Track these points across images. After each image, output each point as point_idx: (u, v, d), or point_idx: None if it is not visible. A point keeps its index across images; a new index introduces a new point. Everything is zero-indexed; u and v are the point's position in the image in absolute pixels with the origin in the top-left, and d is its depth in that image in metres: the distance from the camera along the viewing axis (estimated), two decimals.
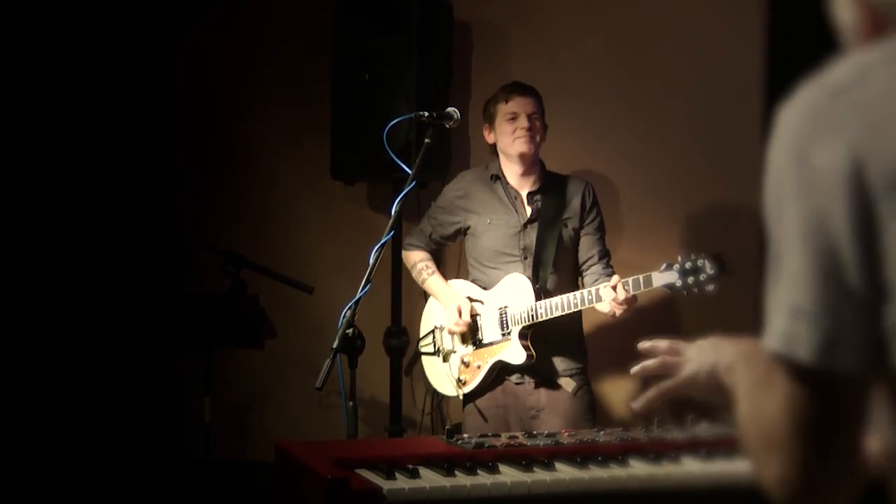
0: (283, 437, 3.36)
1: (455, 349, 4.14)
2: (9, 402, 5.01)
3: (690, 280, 3.49)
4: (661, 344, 1.80)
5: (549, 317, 3.88)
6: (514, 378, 4.03)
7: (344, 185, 5.10)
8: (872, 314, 1.14)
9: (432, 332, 4.23)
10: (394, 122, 3.81)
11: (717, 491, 2.76)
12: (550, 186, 4.11)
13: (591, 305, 3.82)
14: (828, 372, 1.15)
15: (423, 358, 4.27)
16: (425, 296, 4.34)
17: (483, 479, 2.66)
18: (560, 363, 4.03)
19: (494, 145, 4.14)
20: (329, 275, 5.04)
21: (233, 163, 5.49)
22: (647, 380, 1.81)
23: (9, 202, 5.10)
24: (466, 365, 4.09)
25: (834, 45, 1.27)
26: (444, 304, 4.15)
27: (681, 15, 4.72)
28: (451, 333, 4.12)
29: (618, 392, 4.77)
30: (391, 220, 3.37)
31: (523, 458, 2.79)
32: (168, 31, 5.49)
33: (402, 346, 4.83)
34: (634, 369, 1.87)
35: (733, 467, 2.77)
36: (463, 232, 4.20)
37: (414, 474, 2.65)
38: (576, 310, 3.86)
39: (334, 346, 3.15)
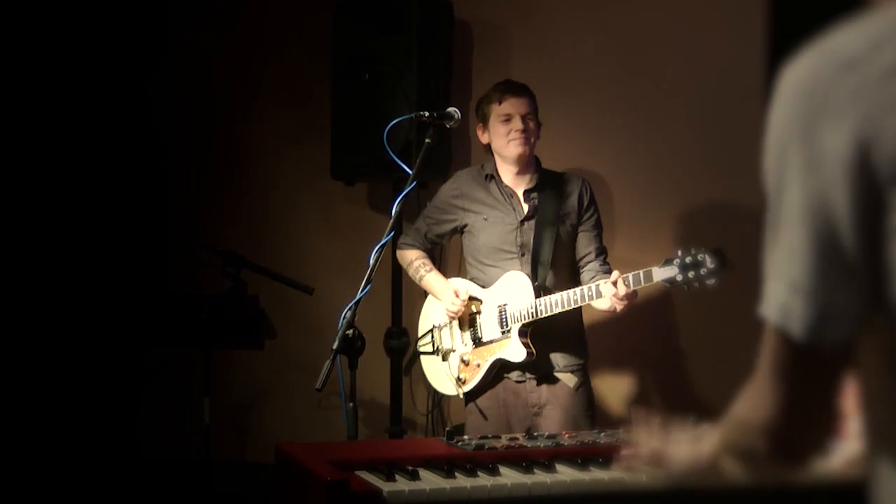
0: (283, 439, 3.36)
1: (454, 348, 4.13)
2: (9, 402, 5.00)
3: (691, 275, 3.49)
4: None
5: (549, 314, 3.87)
6: (515, 376, 4.03)
7: (344, 185, 5.10)
8: (866, 294, 1.16)
9: (431, 331, 4.22)
10: (394, 122, 3.81)
11: (719, 492, 2.75)
12: (547, 184, 4.10)
13: (591, 302, 3.81)
14: (818, 344, 1.19)
15: (423, 357, 4.26)
16: (426, 296, 4.33)
17: (483, 480, 2.66)
18: (561, 359, 4.03)
19: (489, 144, 4.12)
20: (329, 275, 5.03)
21: (233, 163, 5.48)
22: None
23: (9, 202, 5.10)
24: (466, 363, 4.08)
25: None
26: (442, 298, 4.14)
27: (681, 15, 4.71)
28: (450, 318, 4.10)
29: (616, 389, 4.76)
30: (391, 221, 3.36)
31: (524, 460, 2.78)
32: (168, 31, 5.48)
33: (402, 347, 4.82)
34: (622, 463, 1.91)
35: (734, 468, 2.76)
36: (459, 230, 4.19)
37: (414, 476, 2.65)
38: (576, 306, 3.85)
39: (334, 346, 3.14)
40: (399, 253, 4.33)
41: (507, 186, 4.09)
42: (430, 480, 2.65)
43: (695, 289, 3.51)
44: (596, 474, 2.74)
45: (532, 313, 3.91)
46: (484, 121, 4.10)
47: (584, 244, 4.09)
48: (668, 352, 4.74)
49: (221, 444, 4.80)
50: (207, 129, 5.51)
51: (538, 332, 3.97)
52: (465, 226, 4.15)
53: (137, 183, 5.43)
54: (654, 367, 4.80)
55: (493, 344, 4.02)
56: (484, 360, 4.03)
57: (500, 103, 4.04)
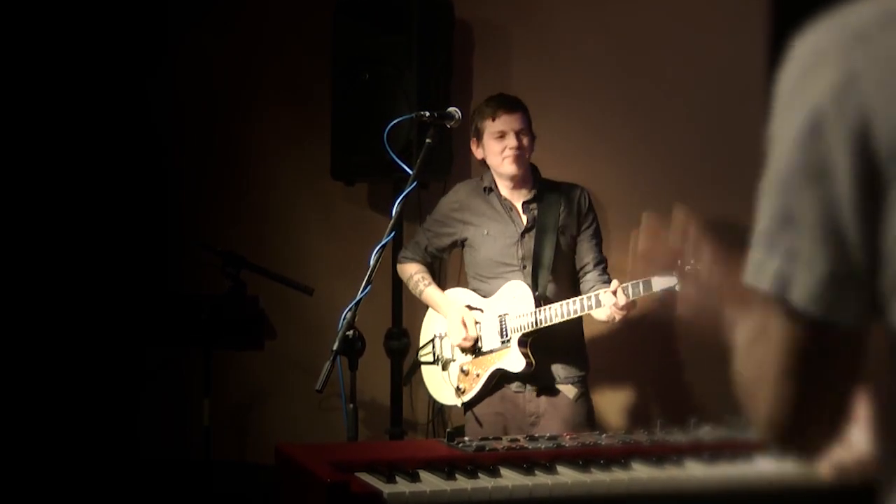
0: (283, 440, 3.35)
1: (454, 357, 4.12)
2: (9, 403, 5.00)
3: None
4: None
5: (550, 323, 3.86)
6: (514, 386, 4.01)
7: (344, 185, 5.09)
8: (868, 270, 1.13)
9: (432, 340, 4.21)
10: (394, 122, 3.79)
11: (720, 494, 2.75)
12: (545, 194, 4.07)
13: (591, 311, 3.79)
14: (822, 320, 1.15)
15: (423, 367, 4.25)
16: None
17: (484, 482, 2.65)
18: (561, 370, 4.01)
19: (484, 159, 4.10)
20: (329, 276, 5.02)
21: (233, 163, 5.48)
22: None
23: (9, 202, 5.09)
24: (465, 373, 4.07)
25: None
26: (444, 313, 4.13)
27: (682, 15, 4.70)
28: (462, 350, 4.09)
29: (615, 401, 4.75)
30: (392, 221, 3.35)
31: (525, 462, 2.77)
32: (168, 31, 5.48)
33: (402, 348, 4.81)
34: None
35: (736, 470, 2.75)
36: (460, 244, 4.17)
37: (414, 478, 2.64)
38: (575, 316, 3.84)
39: (334, 347, 3.13)
40: (399, 266, 4.31)
41: (506, 199, 4.07)
42: (430, 482, 2.63)
43: None
44: (597, 476, 2.73)
45: (532, 323, 3.89)
46: (478, 136, 4.07)
47: (583, 254, 4.07)
48: (667, 363, 4.72)
49: (221, 444, 4.79)
50: (207, 129, 5.50)
51: (538, 343, 3.95)
52: (465, 240, 4.13)
53: (137, 183, 5.42)
54: (654, 378, 4.79)
55: (493, 354, 4.01)
56: (483, 370, 4.02)
57: (493, 119, 4.00)
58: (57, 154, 5.22)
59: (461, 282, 4.40)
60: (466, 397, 4.04)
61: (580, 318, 3.94)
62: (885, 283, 1.13)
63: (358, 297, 3.18)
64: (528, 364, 3.91)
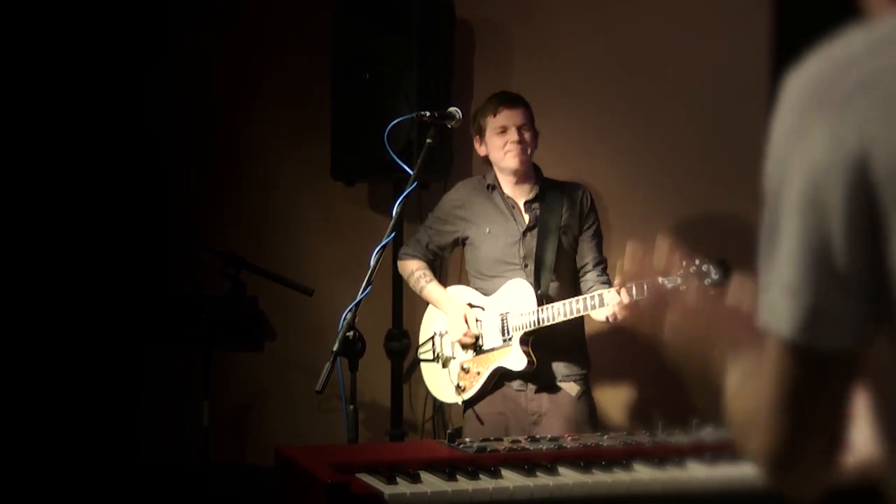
0: (283, 441, 3.34)
1: (455, 355, 4.11)
2: (9, 403, 4.99)
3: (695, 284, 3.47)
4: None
5: (552, 322, 3.85)
6: (516, 385, 4.00)
7: (344, 185, 5.08)
8: (861, 296, 1.13)
9: (431, 338, 4.20)
10: (395, 122, 3.79)
11: (722, 495, 2.73)
12: (548, 193, 4.08)
13: (591, 311, 3.79)
14: (810, 347, 1.16)
15: (423, 365, 4.24)
16: (427, 302, 4.31)
17: (485, 483, 2.64)
18: (562, 369, 4.00)
19: (486, 156, 4.10)
20: (329, 276, 5.01)
21: (233, 163, 5.47)
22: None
23: (9, 202, 5.08)
24: (466, 371, 4.06)
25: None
26: (445, 310, 4.12)
27: (684, 14, 4.69)
28: (463, 346, 4.08)
29: (617, 399, 4.74)
30: (392, 222, 3.34)
31: (526, 463, 2.76)
32: (168, 31, 5.47)
33: (403, 349, 4.80)
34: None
35: (737, 471, 2.74)
36: (461, 242, 4.17)
37: (415, 479, 2.63)
38: (578, 315, 3.83)
39: (335, 348, 3.12)
40: (400, 263, 4.31)
41: (508, 197, 4.07)
42: (431, 483, 2.62)
43: None
44: (599, 477, 2.72)
45: (534, 322, 3.89)
46: (480, 133, 4.08)
47: (583, 254, 4.08)
48: (669, 362, 4.71)
49: (221, 446, 4.78)
50: (207, 129, 5.49)
51: (539, 341, 3.94)
52: (467, 238, 4.12)
53: (137, 183, 5.41)
54: (656, 376, 4.77)
55: (494, 352, 4.00)
56: (484, 368, 4.01)
57: (494, 115, 4.02)
58: (57, 154, 5.21)
59: (462, 281, 4.39)
60: (467, 395, 4.03)
61: (582, 318, 3.93)
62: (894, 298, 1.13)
63: (358, 298, 3.17)
64: (530, 362, 3.91)
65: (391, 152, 3.65)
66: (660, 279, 3.55)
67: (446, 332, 4.13)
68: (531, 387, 3.99)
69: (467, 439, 3.05)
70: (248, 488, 4.79)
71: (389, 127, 3.72)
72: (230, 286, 4.57)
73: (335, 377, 3.08)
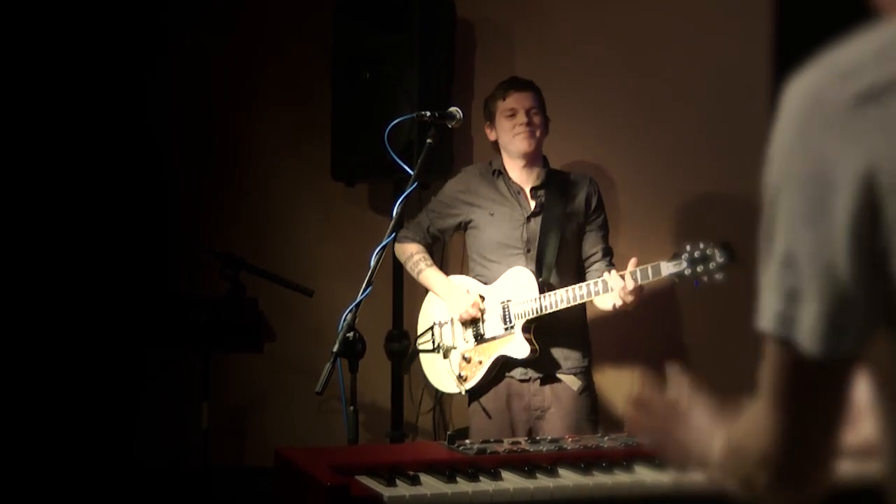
0: (283, 443, 3.33)
1: (455, 345, 4.09)
2: (7, 405, 4.98)
3: (699, 269, 3.48)
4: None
5: (554, 309, 3.85)
6: (518, 374, 3.99)
7: (344, 185, 5.07)
8: (865, 305, 1.13)
9: (431, 328, 4.18)
10: (395, 121, 3.78)
11: (722, 496, 2.72)
12: (554, 182, 4.09)
13: (594, 298, 3.78)
14: (825, 356, 1.15)
15: (422, 356, 4.22)
16: (427, 296, 4.29)
17: (485, 485, 2.63)
18: (564, 360, 4.00)
19: (496, 142, 4.11)
20: (329, 277, 5.00)
21: (233, 163, 5.45)
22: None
23: (8, 203, 5.07)
24: (468, 361, 4.04)
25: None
26: (444, 295, 4.11)
27: (685, 13, 4.69)
28: (463, 322, 4.06)
29: (619, 389, 4.72)
30: (392, 222, 3.33)
31: (526, 465, 2.75)
32: (168, 31, 5.46)
33: (403, 350, 4.79)
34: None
35: None
36: (463, 227, 4.17)
37: (415, 481, 2.62)
38: (581, 302, 3.82)
39: (335, 349, 3.11)
40: (398, 246, 4.27)
41: (514, 182, 4.07)
42: (431, 485, 2.61)
43: (703, 283, 3.49)
44: (599, 479, 2.71)
45: (536, 309, 3.88)
46: (490, 118, 4.11)
47: (591, 244, 4.08)
48: (672, 350, 4.70)
49: (220, 448, 4.77)
50: (207, 129, 5.48)
51: (541, 329, 3.94)
52: (470, 221, 4.12)
53: (137, 183, 5.40)
54: (659, 366, 4.76)
55: (496, 340, 3.99)
56: (486, 357, 4.00)
57: (504, 99, 4.05)
58: (56, 155, 5.20)
59: (463, 268, 4.38)
60: (468, 385, 4.02)
61: (583, 306, 3.92)
62: None
63: (358, 299, 3.17)
64: (533, 350, 3.90)
65: (391, 152, 3.64)
66: (664, 263, 3.57)
67: (446, 322, 4.11)
68: (534, 378, 3.98)
69: (467, 441, 3.04)
70: (248, 490, 4.78)
71: (390, 127, 3.71)
72: (230, 287, 4.55)
73: (335, 378, 3.07)
